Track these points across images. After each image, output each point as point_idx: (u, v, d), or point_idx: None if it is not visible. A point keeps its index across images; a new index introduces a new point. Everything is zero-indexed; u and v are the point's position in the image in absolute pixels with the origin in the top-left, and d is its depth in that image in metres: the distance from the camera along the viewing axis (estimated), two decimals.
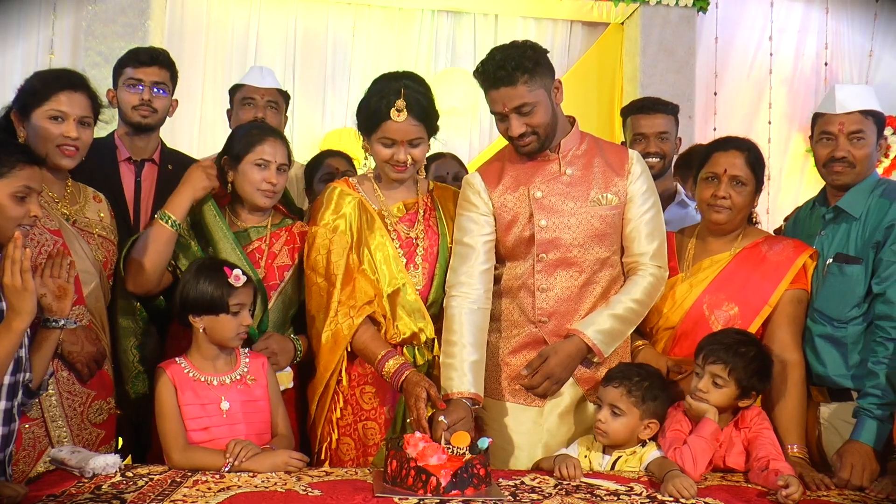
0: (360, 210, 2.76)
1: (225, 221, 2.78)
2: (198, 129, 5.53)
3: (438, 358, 2.74)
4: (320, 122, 5.80)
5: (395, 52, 5.77)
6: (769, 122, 5.99)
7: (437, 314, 2.79)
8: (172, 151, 3.40)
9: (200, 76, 5.61)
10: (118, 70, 3.24)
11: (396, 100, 2.64)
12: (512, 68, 2.54)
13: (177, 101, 3.35)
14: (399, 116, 2.64)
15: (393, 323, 2.70)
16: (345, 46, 5.85)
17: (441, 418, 2.39)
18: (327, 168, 3.69)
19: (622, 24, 5.95)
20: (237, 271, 2.51)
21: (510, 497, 2.15)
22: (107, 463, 2.24)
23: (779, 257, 2.73)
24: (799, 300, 2.72)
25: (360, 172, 3.64)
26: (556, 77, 2.68)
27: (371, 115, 2.68)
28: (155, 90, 3.20)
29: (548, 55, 2.65)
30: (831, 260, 2.69)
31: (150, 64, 3.20)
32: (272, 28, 5.77)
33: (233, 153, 2.80)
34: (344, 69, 5.84)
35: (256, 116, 3.56)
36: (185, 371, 2.48)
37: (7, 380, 2.11)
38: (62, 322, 2.29)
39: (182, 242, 2.73)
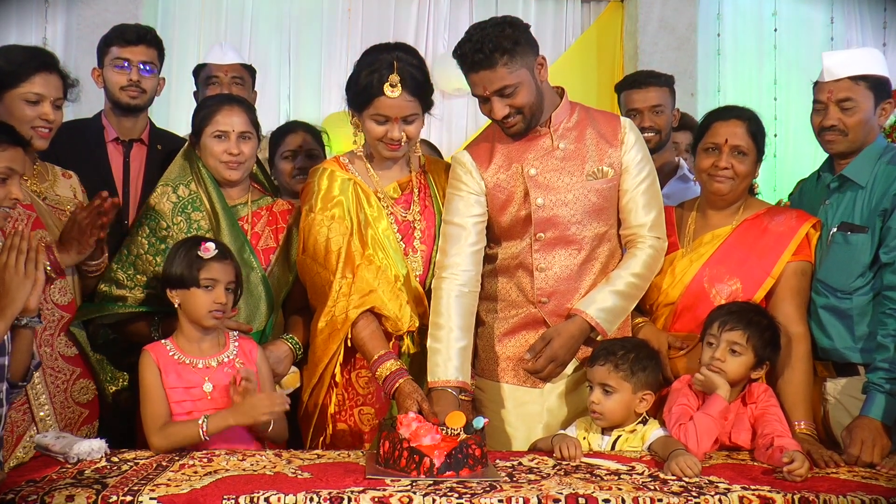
0: (357, 192, 2.67)
1: (223, 199, 2.72)
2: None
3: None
4: (318, 106, 5.73)
5: (392, 32, 5.69)
6: (775, 99, 5.90)
7: None
8: (161, 131, 3.33)
9: (194, 61, 5.50)
10: (103, 49, 3.14)
11: (389, 74, 2.52)
12: (490, 50, 2.44)
13: (164, 79, 3.27)
14: (393, 92, 2.52)
15: (400, 312, 2.61)
16: (341, 28, 5.78)
17: None
18: (289, 145, 3.45)
19: (622, 1, 5.87)
20: (209, 244, 2.46)
21: (507, 478, 2.08)
22: (92, 448, 2.18)
23: (780, 228, 2.66)
24: (803, 272, 2.65)
25: (327, 143, 3.55)
26: (541, 53, 2.57)
27: (362, 91, 2.57)
28: (143, 69, 3.11)
29: (529, 30, 2.55)
30: (836, 229, 2.62)
31: (138, 42, 3.11)
32: (266, 11, 5.70)
33: (194, 128, 2.74)
34: (340, 51, 5.77)
35: None
36: (170, 353, 2.43)
37: None
38: (25, 321, 2.13)
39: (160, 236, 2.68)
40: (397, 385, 2.46)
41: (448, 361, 2.50)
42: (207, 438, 2.29)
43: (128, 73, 3.09)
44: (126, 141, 3.17)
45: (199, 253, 2.45)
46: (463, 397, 2.51)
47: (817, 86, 2.71)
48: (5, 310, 2.02)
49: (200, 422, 2.29)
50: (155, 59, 3.16)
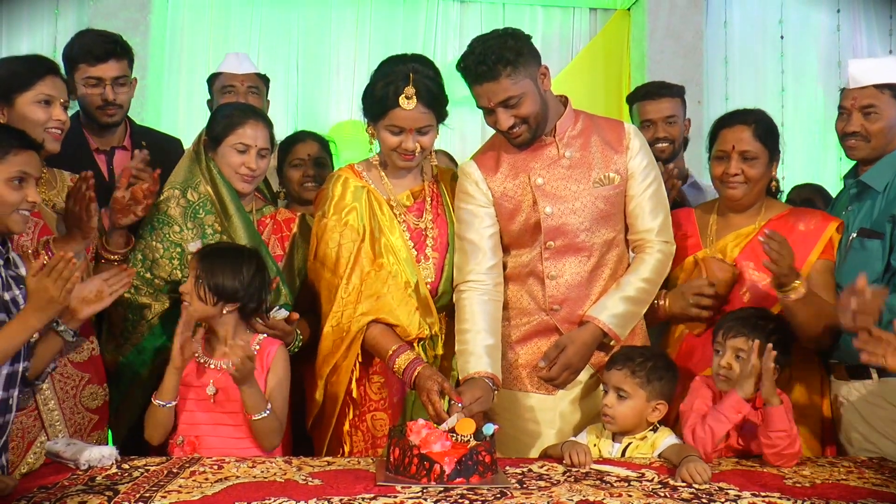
0: (370, 200, 2.68)
1: (238, 200, 2.72)
2: (202, 122, 5.47)
3: (443, 357, 2.70)
4: (326, 114, 5.72)
5: (401, 41, 5.69)
6: (782, 106, 5.89)
7: (448, 306, 2.73)
8: (144, 129, 3.30)
9: (204, 69, 5.53)
10: (72, 64, 3.06)
11: (405, 86, 2.53)
12: (493, 62, 2.46)
13: (136, 79, 3.20)
14: (408, 104, 2.53)
15: (409, 319, 2.61)
16: (349, 37, 5.77)
17: (458, 412, 2.30)
18: (298, 154, 3.45)
19: (629, 9, 5.88)
20: (191, 246, 2.57)
21: (517, 485, 2.08)
22: (102, 455, 2.19)
23: (808, 226, 2.69)
24: (830, 270, 2.68)
25: (334, 152, 3.54)
26: (544, 63, 2.59)
27: (378, 102, 2.58)
28: (117, 85, 3.05)
29: (531, 41, 2.57)
30: (855, 234, 2.64)
31: (107, 59, 3.03)
32: (274, 20, 5.71)
33: (213, 134, 2.74)
34: (349, 60, 5.76)
35: None
36: (196, 354, 2.49)
37: (5, 370, 2.07)
38: (62, 328, 2.22)
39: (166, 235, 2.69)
40: (416, 371, 2.47)
41: (479, 358, 2.51)
42: (163, 403, 2.39)
43: (101, 93, 3.04)
44: (108, 150, 3.15)
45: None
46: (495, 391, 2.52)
47: (843, 92, 2.76)
48: (29, 321, 2.05)
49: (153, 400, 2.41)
50: (126, 69, 3.10)
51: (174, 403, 2.41)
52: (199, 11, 5.66)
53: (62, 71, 2.63)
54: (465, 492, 2.00)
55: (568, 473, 2.20)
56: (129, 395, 2.70)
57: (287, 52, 5.71)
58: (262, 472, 2.16)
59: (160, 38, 5.45)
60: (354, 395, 2.64)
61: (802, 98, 5.97)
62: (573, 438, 2.49)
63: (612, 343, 2.60)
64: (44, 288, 2.03)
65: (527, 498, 1.98)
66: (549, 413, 2.64)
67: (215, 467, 2.20)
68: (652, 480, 2.15)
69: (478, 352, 2.52)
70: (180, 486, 2.01)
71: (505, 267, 2.70)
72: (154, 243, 2.69)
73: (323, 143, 3.54)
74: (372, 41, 5.74)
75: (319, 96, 5.75)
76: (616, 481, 2.13)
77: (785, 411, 2.33)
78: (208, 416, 2.46)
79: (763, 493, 2.05)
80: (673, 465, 2.26)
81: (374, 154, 2.77)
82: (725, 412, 2.34)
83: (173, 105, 5.57)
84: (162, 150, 2.96)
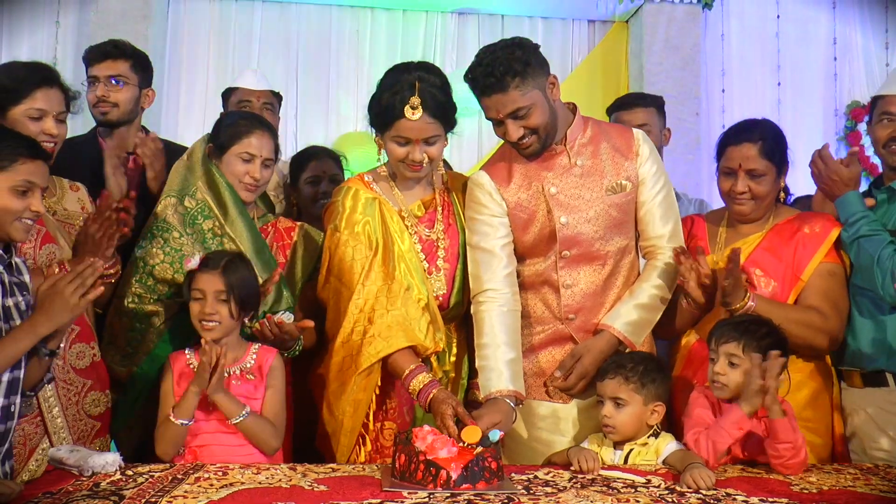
0: (381, 211, 2.65)
1: (241, 203, 2.70)
2: (202, 132, 5.47)
3: (455, 367, 2.70)
4: (325, 127, 5.74)
5: (401, 54, 5.70)
6: (779, 118, 5.89)
7: (458, 316, 2.72)
8: (161, 141, 3.30)
9: (203, 81, 5.58)
10: (85, 71, 3.20)
11: (410, 96, 2.49)
12: (501, 73, 2.44)
13: (153, 91, 3.26)
14: (413, 115, 2.50)
15: (427, 331, 2.58)
16: (349, 50, 5.80)
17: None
18: (313, 170, 3.50)
19: (627, 21, 5.92)
20: (193, 259, 2.52)
21: (524, 491, 2.07)
22: (106, 461, 2.17)
23: (813, 229, 2.69)
24: (830, 273, 2.66)
25: (345, 167, 3.55)
26: (552, 73, 2.58)
27: (384, 112, 2.55)
28: (114, 82, 3.13)
29: (539, 50, 2.55)
30: None
31: (102, 59, 3.14)
32: (274, 32, 5.74)
33: (218, 142, 2.73)
34: (349, 73, 5.78)
35: None
36: (188, 361, 2.48)
37: (6, 376, 2.05)
38: (46, 352, 2.16)
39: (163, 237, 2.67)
40: (431, 395, 2.44)
41: (500, 374, 2.49)
42: (185, 422, 2.35)
43: (95, 91, 3.13)
44: (123, 155, 3.15)
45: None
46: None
47: (885, 98, 2.73)
48: (38, 327, 2.04)
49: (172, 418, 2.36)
50: (126, 71, 3.16)
51: (192, 422, 2.38)
52: (199, 23, 5.68)
53: (60, 80, 2.62)
54: (471, 497, 2.00)
55: (574, 480, 2.20)
56: (146, 405, 2.66)
57: (286, 64, 5.73)
58: (267, 478, 2.15)
59: (160, 50, 5.46)
60: (370, 427, 2.62)
61: (799, 110, 6.00)
62: (578, 445, 2.48)
63: (626, 351, 2.60)
64: (60, 294, 2.02)
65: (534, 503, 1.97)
66: (563, 421, 2.63)
67: (220, 473, 2.18)
68: (659, 486, 2.14)
69: (499, 367, 2.50)
70: (186, 492, 2.00)
71: (519, 276, 2.68)
72: (154, 250, 2.67)
73: (335, 159, 3.57)
74: (371, 53, 5.77)
75: (318, 108, 5.77)
76: (623, 487, 2.12)
77: (789, 422, 2.30)
78: (209, 424, 2.44)
79: (771, 499, 2.04)
80: (677, 471, 2.25)
81: (382, 164, 2.75)
82: (727, 427, 2.32)
83: (172, 116, 5.59)
84: None
